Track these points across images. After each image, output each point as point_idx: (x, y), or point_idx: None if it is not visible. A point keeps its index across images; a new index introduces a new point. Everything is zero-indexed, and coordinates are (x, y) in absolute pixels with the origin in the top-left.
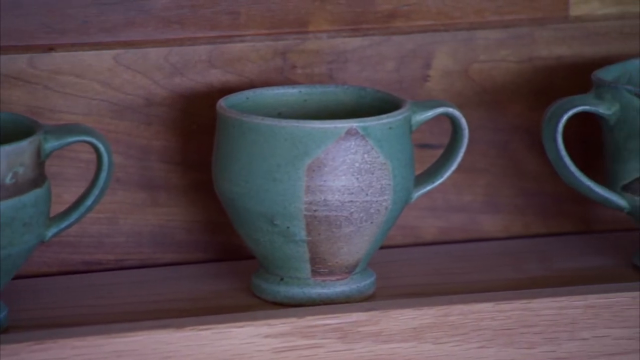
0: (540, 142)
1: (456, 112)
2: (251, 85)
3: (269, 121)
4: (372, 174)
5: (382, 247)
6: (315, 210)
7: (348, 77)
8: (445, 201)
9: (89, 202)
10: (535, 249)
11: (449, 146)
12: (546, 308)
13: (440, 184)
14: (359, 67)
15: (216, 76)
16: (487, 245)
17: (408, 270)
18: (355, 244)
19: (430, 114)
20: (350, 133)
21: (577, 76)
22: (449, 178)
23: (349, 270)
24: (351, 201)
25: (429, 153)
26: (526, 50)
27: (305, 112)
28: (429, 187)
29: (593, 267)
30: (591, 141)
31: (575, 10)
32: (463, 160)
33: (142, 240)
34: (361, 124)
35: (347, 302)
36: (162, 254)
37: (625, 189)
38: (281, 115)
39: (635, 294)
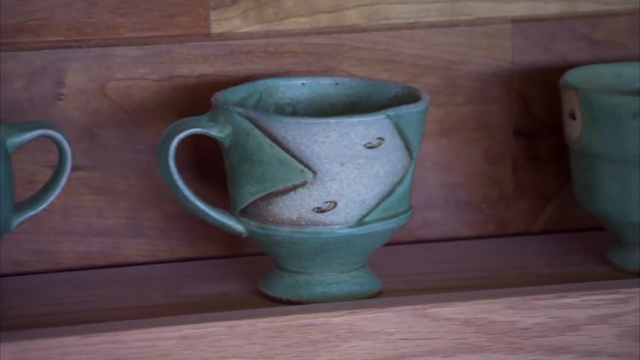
0: None
1: (57, 135)
2: None
3: None
4: None
5: (15, 274)
6: None
7: None
8: (86, 225)
9: None
10: (176, 274)
11: (55, 170)
12: (137, 340)
13: (80, 207)
14: None
15: None
16: (128, 270)
17: (40, 299)
18: None
19: (27, 136)
20: None
21: None
22: (88, 200)
23: None
24: None
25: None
26: (166, 68)
27: None
28: (31, 213)
29: (219, 293)
30: None
31: (217, 28)
32: (103, 182)
33: None
34: None
35: None
36: None
37: (243, 213)
38: None
39: (228, 323)
